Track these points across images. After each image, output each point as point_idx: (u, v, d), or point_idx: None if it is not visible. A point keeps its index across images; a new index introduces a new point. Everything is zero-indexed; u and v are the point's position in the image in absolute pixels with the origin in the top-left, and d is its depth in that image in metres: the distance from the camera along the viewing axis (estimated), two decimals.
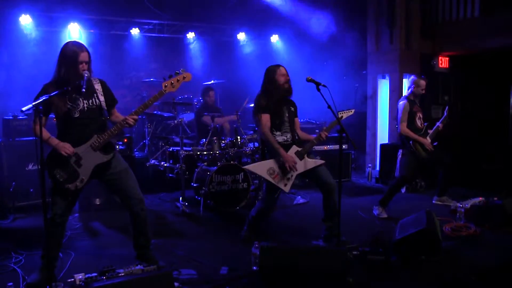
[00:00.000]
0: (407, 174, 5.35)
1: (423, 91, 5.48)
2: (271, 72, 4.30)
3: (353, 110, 4.51)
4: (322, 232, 4.34)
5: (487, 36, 7.20)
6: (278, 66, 4.33)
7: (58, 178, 3.31)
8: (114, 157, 3.50)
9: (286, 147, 4.20)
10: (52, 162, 3.32)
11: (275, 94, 4.23)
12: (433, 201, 5.84)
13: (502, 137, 7.21)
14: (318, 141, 4.29)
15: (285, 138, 4.25)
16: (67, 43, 3.37)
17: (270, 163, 4.17)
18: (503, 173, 6.50)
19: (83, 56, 3.30)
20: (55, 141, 3.30)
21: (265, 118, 4.19)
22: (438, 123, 5.57)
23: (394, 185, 5.35)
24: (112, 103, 3.59)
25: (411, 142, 5.31)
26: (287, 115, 4.29)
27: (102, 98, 3.47)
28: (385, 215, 5.24)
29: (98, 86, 3.49)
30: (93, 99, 3.43)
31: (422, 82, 5.44)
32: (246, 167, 4.36)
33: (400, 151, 5.49)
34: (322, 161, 4.30)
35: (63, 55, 3.31)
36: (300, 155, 4.21)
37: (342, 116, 4.39)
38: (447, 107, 5.78)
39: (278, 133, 4.24)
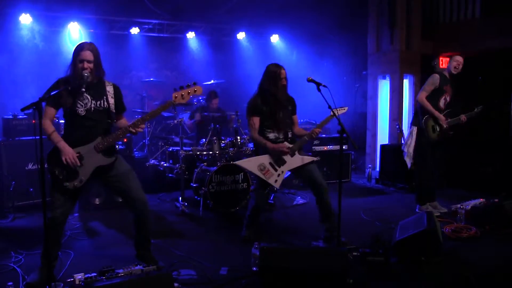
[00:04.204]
0: (425, 166, 5.22)
1: (457, 69, 5.11)
2: (272, 73, 4.25)
3: (346, 108, 4.41)
4: (322, 233, 4.35)
5: (488, 36, 7.20)
6: (280, 68, 4.26)
7: (57, 175, 3.30)
8: (116, 160, 3.49)
9: (278, 143, 4.27)
10: (54, 159, 3.30)
11: (272, 97, 4.24)
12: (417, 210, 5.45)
13: (503, 138, 7.20)
14: (310, 138, 4.32)
15: (276, 135, 4.31)
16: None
17: (261, 159, 4.24)
18: (503, 175, 6.49)
19: (83, 55, 3.29)
20: (62, 143, 3.28)
21: (255, 120, 4.28)
22: (462, 115, 5.22)
23: (418, 182, 5.31)
24: (121, 110, 3.59)
25: (423, 120, 5.12)
26: (280, 115, 4.31)
27: (111, 101, 3.46)
28: (432, 209, 5.18)
29: (110, 89, 3.48)
30: (102, 101, 3.42)
31: (458, 58, 5.09)
32: (237, 162, 4.39)
33: (414, 128, 5.26)
34: (314, 158, 4.34)
35: (73, 53, 3.36)
36: (291, 152, 4.26)
37: (334, 114, 4.19)
38: (481, 107, 5.29)
39: (269, 130, 4.31)
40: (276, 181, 4.24)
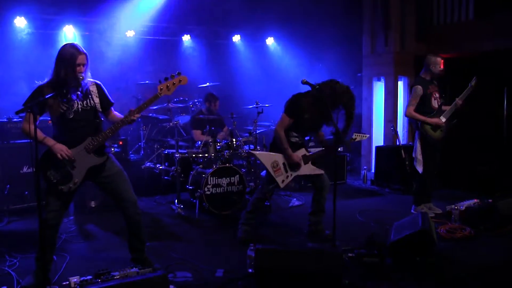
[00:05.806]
0: (428, 167, 5.25)
1: (442, 68, 5.19)
2: (340, 93, 4.14)
3: (367, 135, 4.74)
4: (305, 227, 4.51)
5: (481, 38, 7.25)
6: (340, 85, 4.18)
7: (52, 179, 3.29)
8: (108, 159, 3.49)
9: (296, 147, 4.35)
10: (46, 163, 3.29)
11: (320, 114, 4.19)
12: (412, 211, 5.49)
13: (497, 139, 7.25)
14: (327, 152, 4.46)
15: (298, 140, 4.39)
16: (65, 45, 3.34)
17: (276, 156, 4.30)
18: (498, 175, 6.52)
19: (81, 59, 3.28)
20: (51, 141, 3.28)
21: (286, 120, 4.26)
22: (457, 99, 5.23)
23: (420, 184, 5.34)
24: (107, 105, 3.56)
25: (419, 124, 5.19)
26: (312, 123, 4.34)
27: (96, 100, 3.45)
28: (427, 210, 5.24)
29: (93, 88, 3.47)
30: (88, 100, 3.41)
31: (438, 59, 5.17)
32: (253, 152, 4.49)
33: (416, 133, 5.34)
34: (322, 171, 4.47)
35: (61, 57, 3.28)
36: (306, 159, 4.36)
37: (355, 138, 4.56)
38: (474, 78, 5.26)
39: (295, 135, 4.37)
40: (283, 181, 4.32)
